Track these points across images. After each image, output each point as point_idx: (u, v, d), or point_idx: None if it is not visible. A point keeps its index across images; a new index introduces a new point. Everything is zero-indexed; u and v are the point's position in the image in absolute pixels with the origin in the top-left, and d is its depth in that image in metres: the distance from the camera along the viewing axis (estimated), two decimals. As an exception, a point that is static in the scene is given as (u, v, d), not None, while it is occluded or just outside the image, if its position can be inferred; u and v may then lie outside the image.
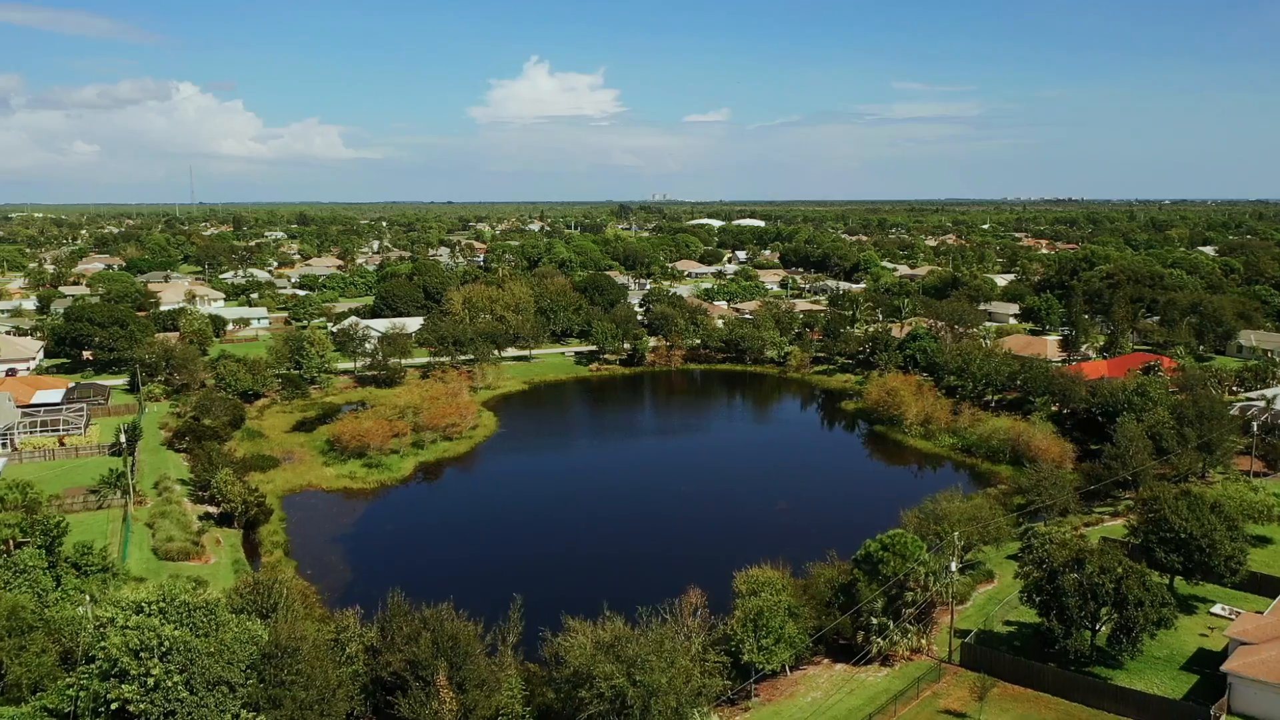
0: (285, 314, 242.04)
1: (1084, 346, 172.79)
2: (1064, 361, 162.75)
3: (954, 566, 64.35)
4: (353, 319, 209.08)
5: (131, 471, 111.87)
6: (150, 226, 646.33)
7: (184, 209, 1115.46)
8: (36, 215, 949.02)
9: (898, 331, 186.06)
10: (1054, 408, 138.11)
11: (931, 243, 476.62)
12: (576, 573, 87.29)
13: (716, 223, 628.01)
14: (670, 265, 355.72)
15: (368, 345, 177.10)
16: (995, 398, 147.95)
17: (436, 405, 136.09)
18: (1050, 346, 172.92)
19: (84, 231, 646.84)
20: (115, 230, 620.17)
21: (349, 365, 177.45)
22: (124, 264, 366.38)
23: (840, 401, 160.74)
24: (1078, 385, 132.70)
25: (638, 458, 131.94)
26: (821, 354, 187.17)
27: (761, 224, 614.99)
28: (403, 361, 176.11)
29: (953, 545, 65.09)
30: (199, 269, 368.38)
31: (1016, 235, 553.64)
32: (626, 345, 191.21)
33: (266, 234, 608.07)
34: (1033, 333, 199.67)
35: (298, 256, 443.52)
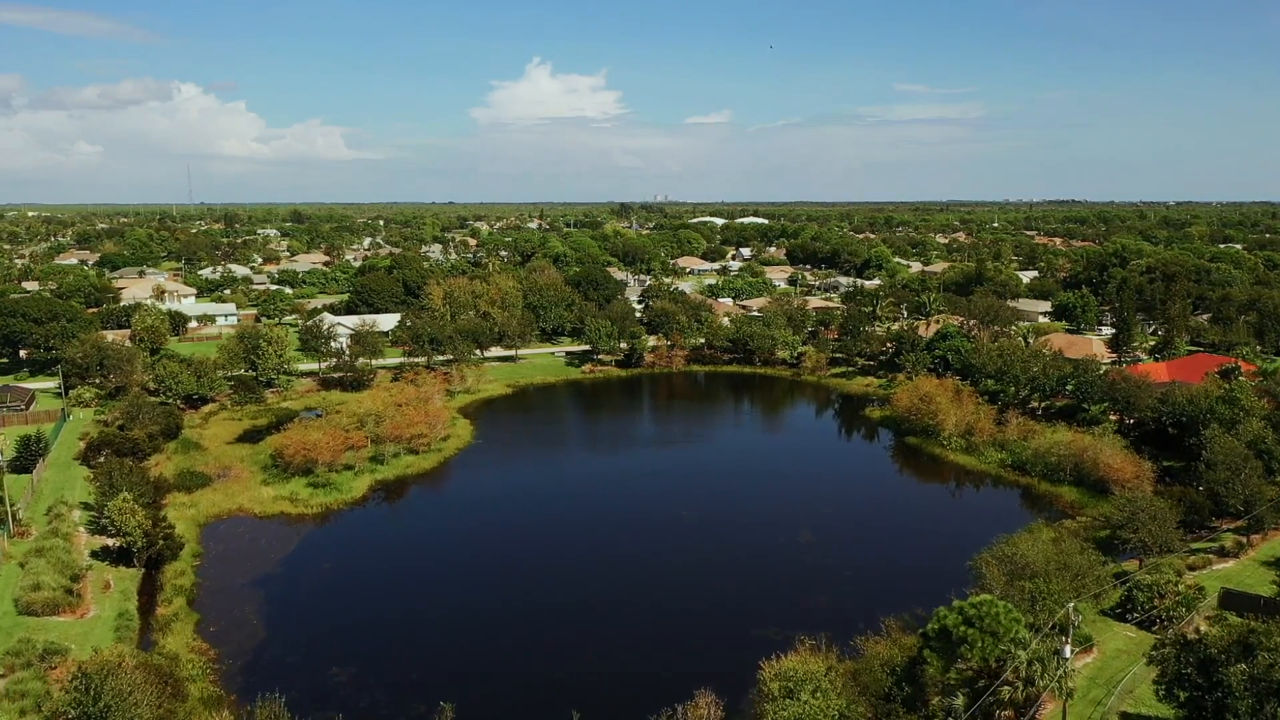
0: (255, 311, 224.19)
1: (1135, 347, 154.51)
2: (1114, 363, 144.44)
3: (1069, 652, 46.02)
4: (324, 315, 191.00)
5: (32, 492, 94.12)
6: (143, 224, 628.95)
7: (181, 208, 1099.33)
8: (30, 214, 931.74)
9: (923, 331, 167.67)
10: (1112, 417, 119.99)
11: (942, 240, 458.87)
12: (543, 641, 68.77)
13: (719, 220, 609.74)
14: (671, 262, 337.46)
15: (334, 344, 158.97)
16: (1042, 405, 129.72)
17: (402, 413, 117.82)
18: (1096, 346, 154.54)
19: (70, 229, 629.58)
20: (104, 227, 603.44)
21: (313, 366, 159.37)
22: (98, 259, 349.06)
23: (863, 408, 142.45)
24: (1144, 391, 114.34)
25: (633, 474, 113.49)
26: (839, 355, 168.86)
27: (765, 222, 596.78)
28: (373, 362, 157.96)
29: (1067, 622, 46.76)
30: (180, 265, 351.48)
31: (1028, 233, 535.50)
32: (623, 345, 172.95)
33: (259, 231, 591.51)
34: (1069, 332, 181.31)
35: (286, 253, 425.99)
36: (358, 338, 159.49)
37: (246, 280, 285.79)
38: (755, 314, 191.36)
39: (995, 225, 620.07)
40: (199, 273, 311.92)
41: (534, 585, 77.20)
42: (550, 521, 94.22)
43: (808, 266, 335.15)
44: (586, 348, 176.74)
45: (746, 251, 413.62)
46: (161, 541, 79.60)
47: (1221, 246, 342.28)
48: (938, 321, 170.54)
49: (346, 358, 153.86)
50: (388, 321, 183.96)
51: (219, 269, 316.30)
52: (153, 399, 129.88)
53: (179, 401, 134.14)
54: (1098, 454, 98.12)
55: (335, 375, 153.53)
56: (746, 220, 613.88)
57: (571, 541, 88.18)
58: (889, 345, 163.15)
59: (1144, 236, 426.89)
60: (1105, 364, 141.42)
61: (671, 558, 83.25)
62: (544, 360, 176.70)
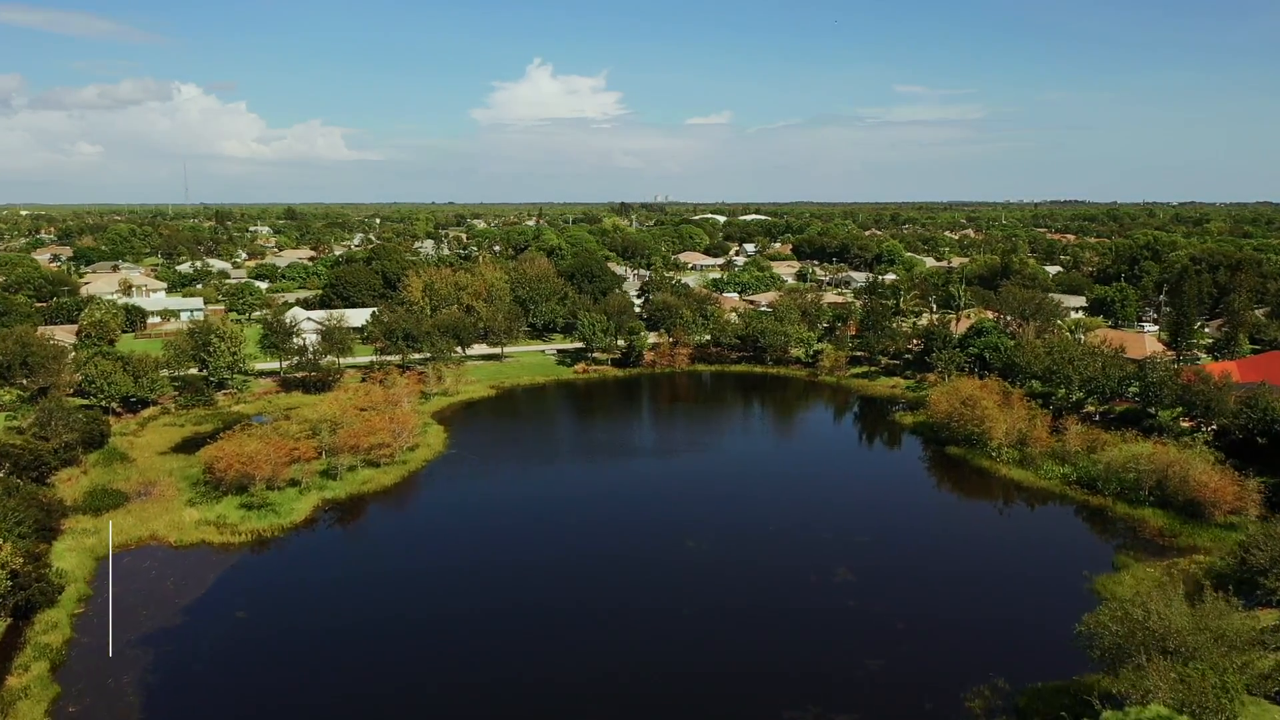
0: (224, 306, 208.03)
1: (1194, 344, 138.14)
2: (1176, 362, 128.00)
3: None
4: (295, 309, 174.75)
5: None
6: (135, 222, 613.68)
7: (178, 208, 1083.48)
8: (23, 213, 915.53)
9: (954, 327, 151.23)
10: (1184, 424, 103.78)
11: (953, 236, 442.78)
12: None
13: (721, 217, 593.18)
14: (673, 257, 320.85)
15: (298, 340, 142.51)
16: (1099, 410, 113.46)
17: (363, 419, 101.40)
18: (1149, 343, 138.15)
19: (57, 225, 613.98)
20: (92, 223, 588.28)
21: (275, 365, 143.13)
22: (71, 255, 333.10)
23: (891, 413, 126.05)
24: (1224, 393, 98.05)
25: (629, 491, 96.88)
26: (859, 353, 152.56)
27: (768, 218, 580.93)
28: (341, 361, 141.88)
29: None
30: (160, 261, 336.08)
31: (1038, 230, 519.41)
32: (620, 342, 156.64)
33: (251, 228, 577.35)
34: (1112, 328, 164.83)
35: (274, 249, 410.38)
36: (325, 334, 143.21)
37: (222, 275, 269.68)
38: (765, 309, 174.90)
39: (1003, 222, 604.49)
40: (176, 268, 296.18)
41: (497, 646, 60.72)
42: (525, 554, 77.60)
43: (816, 261, 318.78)
44: (580, 345, 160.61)
45: (750, 247, 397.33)
46: (35, 584, 63.23)
47: (1254, 242, 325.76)
48: (968, 316, 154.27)
49: (311, 356, 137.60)
50: (356, 316, 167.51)
51: (197, 264, 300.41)
52: (81, 401, 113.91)
53: (115, 405, 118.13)
54: (1187, 470, 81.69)
55: (298, 375, 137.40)
56: (749, 217, 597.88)
57: (550, 581, 71.58)
58: (916, 343, 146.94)
59: (1163, 232, 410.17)
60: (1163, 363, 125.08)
61: (673, 603, 66.63)
62: (533, 359, 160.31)
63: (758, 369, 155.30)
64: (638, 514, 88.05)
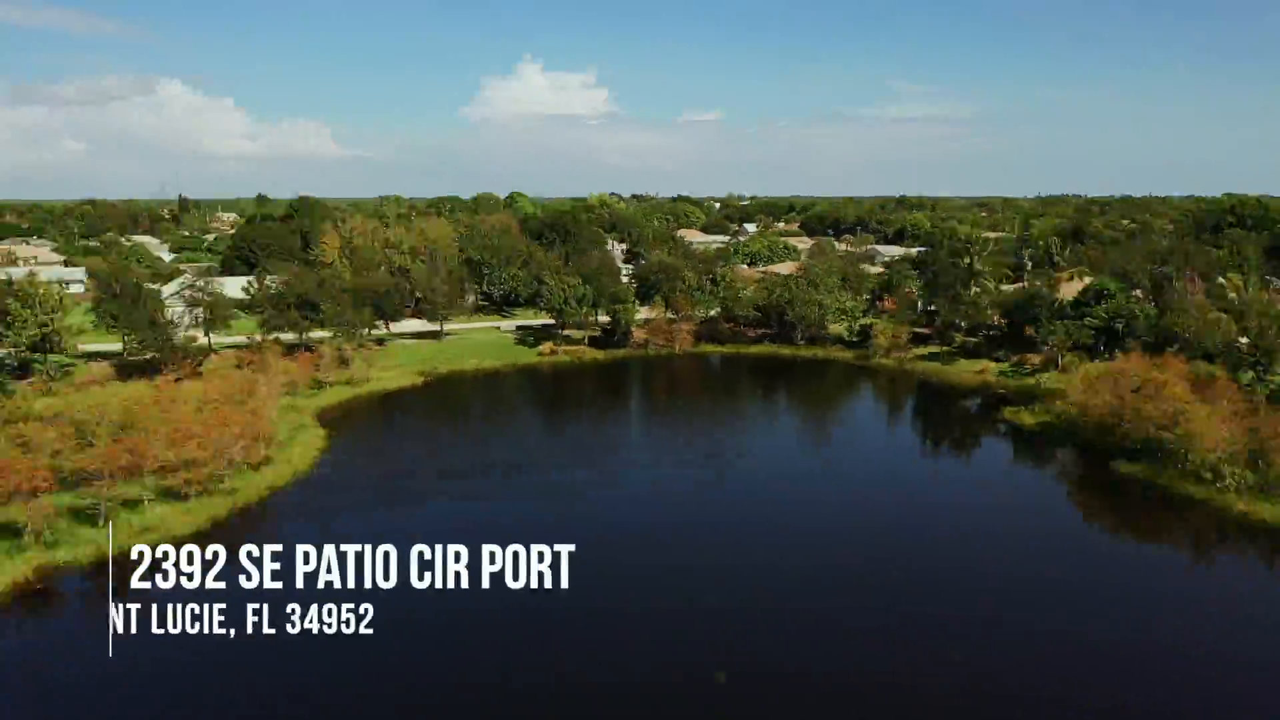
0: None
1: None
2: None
3: None
4: (184, 275, 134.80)
5: None
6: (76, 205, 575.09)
7: (163, 202, 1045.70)
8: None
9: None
10: None
11: (982, 214, 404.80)
12: None
13: (717, 203, 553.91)
14: (669, 233, 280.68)
15: (161, 314, 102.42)
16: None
17: (170, 419, 61.91)
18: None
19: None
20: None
21: (117, 345, 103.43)
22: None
23: (992, 408, 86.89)
24: None
25: (603, 536, 57.04)
26: (922, 328, 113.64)
27: (768, 200, 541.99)
28: (211, 339, 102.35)
29: None
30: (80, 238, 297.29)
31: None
32: (603, 316, 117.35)
33: (219, 214, 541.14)
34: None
35: (224, 230, 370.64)
36: (189, 302, 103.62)
37: (136, 248, 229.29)
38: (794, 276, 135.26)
39: (1020, 205, 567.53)
40: (81, 241, 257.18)
41: None
42: (381, 662, 38.10)
43: (830, 233, 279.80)
44: (550, 321, 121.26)
45: (751, 227, 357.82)
46: None
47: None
48: (1069, 278, 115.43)
49: (165, 331, 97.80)
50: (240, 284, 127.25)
51: (122, 239, 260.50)
52: None
53: None
54: None
55: (145, 358, 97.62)
56: (748, 200, 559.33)
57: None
58: (1009, 314, 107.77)
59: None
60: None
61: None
62: (484, 337, 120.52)
63: (785, 350, 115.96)
64: (609, 574, 48.31)
